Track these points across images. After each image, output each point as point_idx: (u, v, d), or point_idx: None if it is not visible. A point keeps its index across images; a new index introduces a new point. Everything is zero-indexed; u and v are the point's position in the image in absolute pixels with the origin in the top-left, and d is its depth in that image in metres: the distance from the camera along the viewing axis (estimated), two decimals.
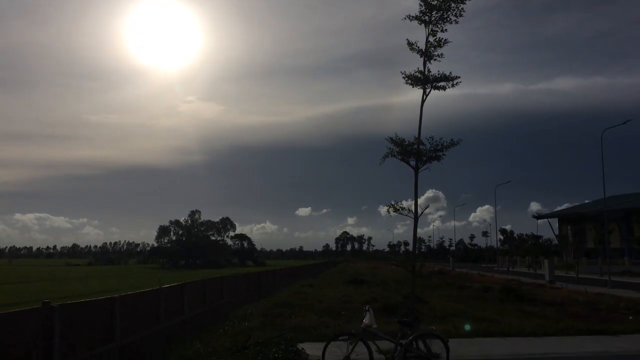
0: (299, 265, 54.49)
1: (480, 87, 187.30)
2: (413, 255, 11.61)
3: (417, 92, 11.30)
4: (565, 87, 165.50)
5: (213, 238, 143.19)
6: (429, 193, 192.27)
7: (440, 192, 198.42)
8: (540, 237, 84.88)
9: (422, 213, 11.01)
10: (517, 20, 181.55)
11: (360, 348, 8.86)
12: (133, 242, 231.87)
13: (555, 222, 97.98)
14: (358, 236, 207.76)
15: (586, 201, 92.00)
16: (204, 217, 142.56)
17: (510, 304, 21.00)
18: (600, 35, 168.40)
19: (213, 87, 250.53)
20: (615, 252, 78.05)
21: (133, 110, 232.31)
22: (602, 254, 52.29)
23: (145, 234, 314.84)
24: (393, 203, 11.09)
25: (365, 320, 9.00)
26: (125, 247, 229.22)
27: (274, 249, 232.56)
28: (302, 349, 9.87)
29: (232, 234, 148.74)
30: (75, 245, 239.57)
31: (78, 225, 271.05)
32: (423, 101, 11.13)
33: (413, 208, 11.16)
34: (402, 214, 11.13)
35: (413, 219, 11.18)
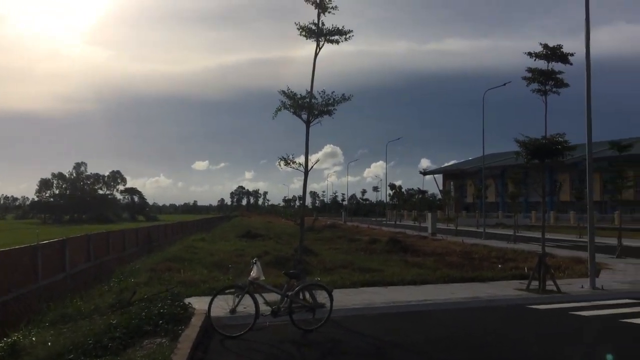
0: (192, 219, 53.64)
1: (376, 44, 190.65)
2: (302, 209, 11.77)
3: (314, 46, 11.20)
4: (454, 48, 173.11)
5: (101, 192, 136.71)
6: (327, 148, 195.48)
7: (338, 148, 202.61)
8: (425, 192, 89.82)
9: (312, 167, 11.12)
10: None
11: (247, 301, 8.92)
12: (11, 196, 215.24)
13: (440, 178, 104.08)
14: (254, 190, 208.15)
15: (470, 158, 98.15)
16: (92, 170, 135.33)
17: (395, 255, 22.13)
18: None
19: (101, 30, 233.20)
20: (491, 205, 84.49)
21: (8, 52, 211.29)
22: (479, 208, 56.34)
23: (25, 188, 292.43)
24: (284, 156, 11.09)
25: (253, 273, 9.04)
26: (2, 202, 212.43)
27: (167, 204, 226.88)
28: (189, 303, 9.75)
29: (122, 187, 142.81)
30: None
31: None
32: (316, 54, 11.09)
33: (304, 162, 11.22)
34: (293, 168, 11.16)
35: (304, 173, 11.27)
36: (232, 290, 9.27)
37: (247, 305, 9.01)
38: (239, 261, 17.67)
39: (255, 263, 9.20)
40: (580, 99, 14.34)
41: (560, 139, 13.68)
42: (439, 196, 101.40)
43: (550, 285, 13.06)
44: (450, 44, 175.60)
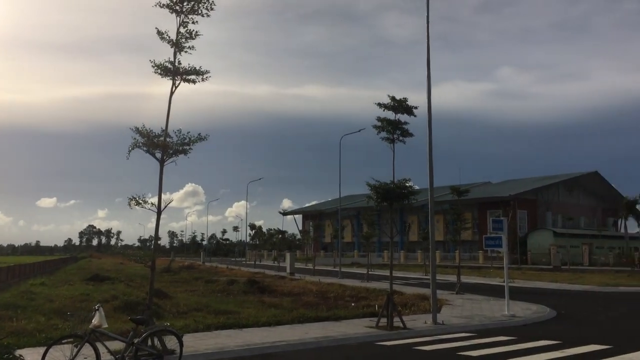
0: (32, 261, 48.76)
1: (240, 85, 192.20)
2: (154, 250, 11.30)
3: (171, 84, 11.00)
4: (314, 94, 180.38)
5: None
6: (189, 187, 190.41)
7: (200, 187, 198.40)
8: (285, 232, 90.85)
9: (165, 207, 10.76)
10: (275, 26, 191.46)
11: (88, 350, 8.26)
12: None
13: (300, 219, 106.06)
14: (106, 230, 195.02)
15: (329, 199, 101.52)
16: None
17: (253, 295, 21.97)
18: (346, 50, 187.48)
19: None
20: (348, 245, 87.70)
21: None
22: (336, 248, 58.15)
23: None
24: (135, 196, 10.62)
25: (94, 321, 8.42)
26: None
27: (5, 244, 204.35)
28: (21, 355, 8.77)
29: None
30: None
31: None
32: (172, 93, 10.90)
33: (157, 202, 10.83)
34: (145, 208, 10.71)
35: (157, 213, 10.86)
36: (70, 339, 8.54)
37: (87, 355, 8.35)
38: (82, 307, 16.35)
39: (97, 309, 8.59)
40: (426, 147, 15.64)
41: (406, 183, 14.75)
42: (299, 236, 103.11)
43: (397, 322, 13.77)
44: (311, 90, 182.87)
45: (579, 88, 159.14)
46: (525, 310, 17.72)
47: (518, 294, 22.06)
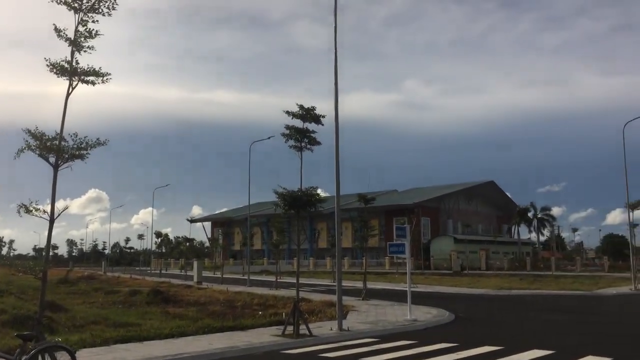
0: None
1: (147, 88, 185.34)
2: (45, 259, 10.58)
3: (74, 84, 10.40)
4: (225, 99, 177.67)
5: None
6: (92, 193, 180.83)
7: (104, 193, 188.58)
8: (192, 239, 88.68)
9: (59, 215, 10.12)
10: (184, 29, 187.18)
11: None
12: None
13: (209, 226, 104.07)
14: None
15: (240, 206, 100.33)
16: None
17: (156, 306, 21.19)
18: (257, 56, 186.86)
19: None
20: (257, 253, 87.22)
21: None
22: (246, 256, 57.59)
23: None
24: (25, 203, 9.90)
25: None
26: None
27: None
28: None
29: None
30: None
31: None
32: (69, 94, 10.26)
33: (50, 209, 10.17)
34: (36, 216, 10.02)
35: (49, 221, 10.20)
36: None
37: None
38: None
39: None
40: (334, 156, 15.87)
41: (313, 191, 14.89)
42: (208, 244, 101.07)
43: (303, 329, 13.81)
44: (221, 95, 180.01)
45: (476, 101, 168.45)
46: (426, 315, 18.41)
47: (420, 299, 22.90)
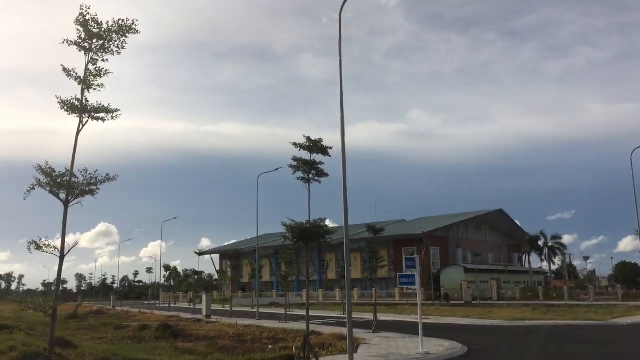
0: None
1: (154, 122, 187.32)
2: (55, 296, 10.59)
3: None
4: (231, 131, 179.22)
5: None
6: (102, 227, 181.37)
7: (114, 227, 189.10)
8: (201, 272, 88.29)
9: (69, 251, 10.18)
10: (190, 63, 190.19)
11: None
12: None
13: (217, 258, 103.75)
14: (6, 274, 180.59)
15: (248, 237, 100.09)
16: None
17: (165, 341, 21.03)
18: (262, 89, 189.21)
19: None
20: (266, 285, 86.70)
21: None
22: (254, 288, 57.27)
23: None
24: (35, 240, 9.98)
25: None
26: None
27: None
28: None
29: None
30: None
31: None
32: (79, 131, 10.47)
33: (60, 245, 10.23)
34: (47, 252, 10.09)
35: (59, 257, 10.25)
36: None
37: None
38: None
39: None
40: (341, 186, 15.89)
41: (321, 223, 14.86)
42: (216, 276, 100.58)
43: None
44: (227, 127, 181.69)
45: (482, 130, 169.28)
46: (438, 347, 18.12)
47: (432, 331, 22.56)
